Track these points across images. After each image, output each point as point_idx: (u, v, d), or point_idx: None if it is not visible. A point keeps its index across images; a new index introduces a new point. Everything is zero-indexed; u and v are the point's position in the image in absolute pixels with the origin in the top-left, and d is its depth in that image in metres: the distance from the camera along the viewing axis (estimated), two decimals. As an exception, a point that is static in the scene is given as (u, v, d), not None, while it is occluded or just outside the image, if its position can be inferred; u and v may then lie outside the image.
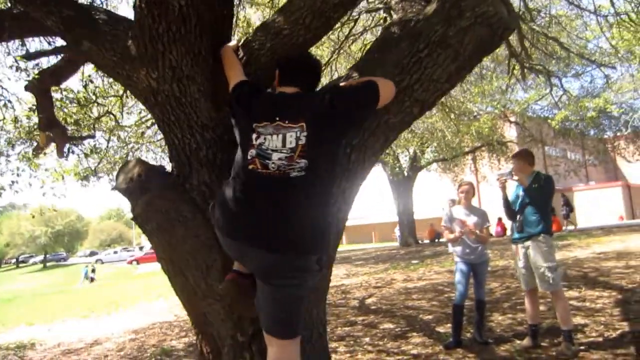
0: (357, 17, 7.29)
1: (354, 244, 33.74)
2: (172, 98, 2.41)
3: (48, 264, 54.25)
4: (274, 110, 1.95)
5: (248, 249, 1.90)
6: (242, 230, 1.92)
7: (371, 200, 31.18)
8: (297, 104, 1.96)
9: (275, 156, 1.87)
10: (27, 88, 3.98)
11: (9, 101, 5.04)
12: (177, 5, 2.23)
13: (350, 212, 2.42)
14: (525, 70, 7.75)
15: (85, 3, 2.51)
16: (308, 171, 1.85)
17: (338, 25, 6.67)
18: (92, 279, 28.12)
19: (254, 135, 1.93)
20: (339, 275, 12.12)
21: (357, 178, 2.35)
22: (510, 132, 22.08)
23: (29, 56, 3.38)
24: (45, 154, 5.57)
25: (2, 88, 5.12)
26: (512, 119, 20.29)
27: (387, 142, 2.34)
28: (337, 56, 8.05)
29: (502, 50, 9.11)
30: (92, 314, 11.03)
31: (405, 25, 2.31)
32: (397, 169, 20.55)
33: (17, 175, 6.21)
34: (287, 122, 1.89)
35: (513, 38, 6.44)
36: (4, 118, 5.37)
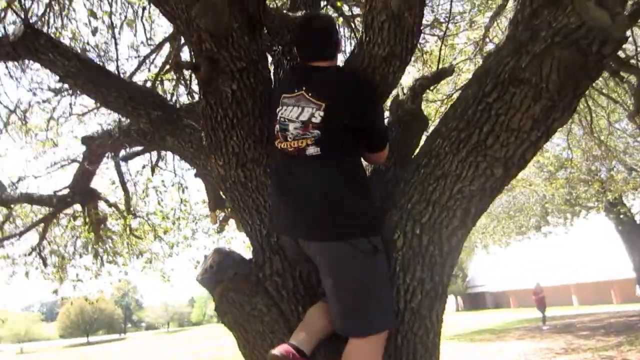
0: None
1: (587, 305, 28.68)
2: (238, 184, 2.33)
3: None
4: (299, 80, 1.94)
5: (285, 239, 2.02)
6: (277, 219, 2.05)
7: (605, 251, 26.49)
8: (322, 80, 1.91)
9: (291, 126, 1.87)
10: (196, 175, 4.51)
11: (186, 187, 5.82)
12: (229, 90, 2.19)
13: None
14: None
15: (170, 103, 2.65)
16: (324, 148, 1.80)
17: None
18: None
19: (279, 109, 1.95)
20: (554, 349, 10.23)
21: (437, 265, 1.84)
22: None
23: (125, 158, 3.82)
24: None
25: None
26: None
27: (468, 216, 1.80)
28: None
29: None
30: None
31: (480, 67, 1.81)
32: (624, 215, 17.00)
33: None
34: (310, 94, 1.86)
35: None
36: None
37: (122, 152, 3.61)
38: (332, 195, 1.78)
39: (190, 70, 2.40)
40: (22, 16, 2.83)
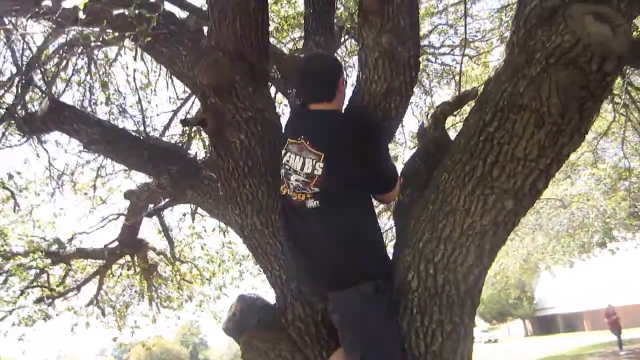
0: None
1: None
2: (256, 232, 2.33)
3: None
4: (300, 126, 1.91)
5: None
6: (291, 267, 2.07)
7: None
8: (320, 127, 1.86)
9: (293, 178, 1.83)
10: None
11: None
12: (237, 141, 2.22)
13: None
14: None
15: (190, 156, 2.72)
16: (323, 201, 1.76)
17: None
18: None
19: (284, 153, 1.91)
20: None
21: (455, 306, 1.74)
22: None
23: (150, 214, 3.92)
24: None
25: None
26: None
27: (483, 252, 1.70)
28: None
29: None
30: None
31: (481, 94, 1.74)
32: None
33: None
34: (309, 143, 1.81)
35: None
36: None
37: (150, 207, 3.73)
38: (333, 246, 1.76)
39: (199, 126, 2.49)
40: (46, 93, 3.03)
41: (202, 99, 2.20)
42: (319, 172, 1.76)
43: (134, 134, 2.99)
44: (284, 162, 1.91)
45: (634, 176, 9.50)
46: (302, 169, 1.80)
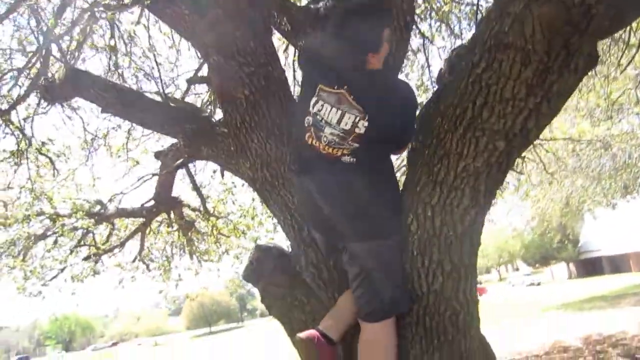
0: None
1: None
2: (266, 184, 2.43)
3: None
4: (338, 74, 1.73)
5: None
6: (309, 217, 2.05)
7: None
8: (366, 83, 1.73)
9: (327, 130, 1.73)
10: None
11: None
12: (242, 96, 2.28)
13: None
14: None
15: (205, 114, 2.80)
16: (359, 157, 1.72)
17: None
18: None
19: (314, 100, 1.75)
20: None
21: (453, 246, 1.79)
22: None
23: (173, 169, 4.03)
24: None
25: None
26: None
27: (479, 193, 1.72)
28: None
29: None
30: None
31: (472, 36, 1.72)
32: None
33: None
34: (352, 97, 1.69)
35: None
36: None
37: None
38: (364, 200, 1.77)
39: (204, 84, 2.54)
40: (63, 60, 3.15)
41: (204, 57, 2.25)
42: (360, 130, 1.68)
43: (151, 95, 3.10)
44: (313, 110, 1.76)
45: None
46: (339, 123, 1.70)
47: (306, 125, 1.78)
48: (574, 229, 26.84)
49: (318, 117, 1.73)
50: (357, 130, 1.68)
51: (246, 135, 2.36)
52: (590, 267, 40.24)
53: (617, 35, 6.01)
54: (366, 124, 1.67)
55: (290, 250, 2.58)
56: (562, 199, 12.48)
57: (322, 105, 1.73)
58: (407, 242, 1.85)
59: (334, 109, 1.70)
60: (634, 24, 5.36)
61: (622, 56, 6.07)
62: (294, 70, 4.52)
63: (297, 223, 2.39)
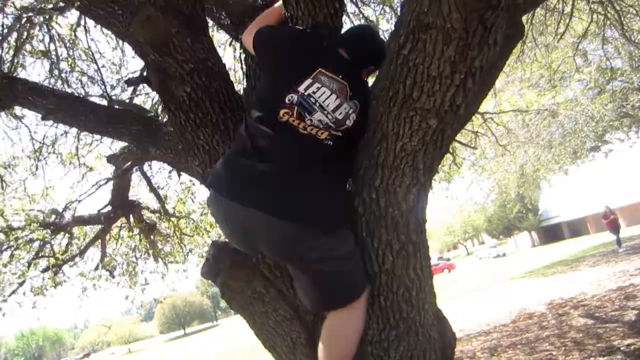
0: None
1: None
2: (216, 179, 2.42)
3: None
4: (341, 65, 1.78)
5: (248, 213, 1.67)
6: (246, 188, 1.69)
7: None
8: (360, 82, 1.86)
9: (317, 115, 1.70)
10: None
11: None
12: (183, 94, 2.26)
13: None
14: None
15: (150, 115, 2.76)
16: (336, 144, 1.74)
17: None
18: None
19: (308, 81, 1.69)
20: (628, 271, 9.74)
21: (399, 225, 1.85)
22: None
23: (121, 174, 4.00)
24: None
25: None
26: None
27: (418, 172, 1.78)
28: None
29: None
30: None
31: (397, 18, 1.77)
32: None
33: None
34: (351, 93, 1.75)
35: None
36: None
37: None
38: (332, 187, 1.80)
39: (144, 84, 2.51)
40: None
41: (142, 56, 2.22)
42: (350, 122, 1.75)
43: (97, 99, 3.03)
44: (307, 91, 1.70)
45: (618, 76, 9.43)
46: (334, 111, 1.72)
47: (287, 102, 1.69)
48: (532, 198, 27.93)
49: (312, 99, 1.69)
50: (348, 122, 1.75)
51: (192, 133, 2.34)
52: (552, 233, 41.96)
53: (552, 4, 6.26)
54: (355, 117, 1.76)
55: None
56: (516, 169, 12.94)
57: (319, 89, 1.70)
58: (355, 225, 1.90)
59: (334, 96, 1.72)
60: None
61: (558, 25, 6.33)
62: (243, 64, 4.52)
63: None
